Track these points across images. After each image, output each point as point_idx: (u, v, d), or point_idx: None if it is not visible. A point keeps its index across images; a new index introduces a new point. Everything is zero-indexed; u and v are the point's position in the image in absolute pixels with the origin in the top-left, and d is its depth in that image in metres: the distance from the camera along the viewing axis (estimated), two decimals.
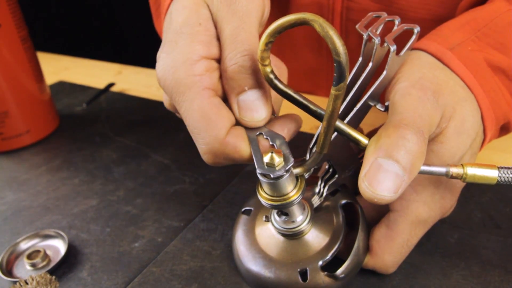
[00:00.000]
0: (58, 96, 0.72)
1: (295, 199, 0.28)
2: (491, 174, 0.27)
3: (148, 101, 0.68)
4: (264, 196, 0.29)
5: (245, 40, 0.28)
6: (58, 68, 0.87)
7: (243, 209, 0.36)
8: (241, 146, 0.28)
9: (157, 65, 0.31)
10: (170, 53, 0.30)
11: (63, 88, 0.76)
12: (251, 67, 0.28)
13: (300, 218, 0.31)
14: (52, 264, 0.36)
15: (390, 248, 0.31)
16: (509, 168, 0.27)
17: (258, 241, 0.33)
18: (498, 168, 0.27)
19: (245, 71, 0.28)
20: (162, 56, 0.30)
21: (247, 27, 0.29)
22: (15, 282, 0.34)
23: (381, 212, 0.33)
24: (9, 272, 0.36)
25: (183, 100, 0.28)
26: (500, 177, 0.27)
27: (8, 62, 0.53)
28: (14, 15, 0.52)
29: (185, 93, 0.28)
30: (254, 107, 0.28)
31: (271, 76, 0.26)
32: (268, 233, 0.33)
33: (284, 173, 0.27)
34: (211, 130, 0.27)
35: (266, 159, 0.27)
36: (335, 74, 0.23)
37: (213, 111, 0.27)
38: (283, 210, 0.30)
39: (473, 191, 0.40)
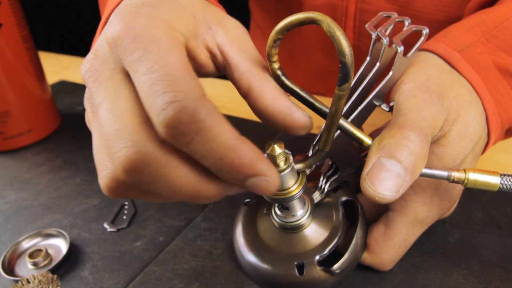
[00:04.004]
0: (59, 95, 0.72)
1: (295, 194, 0.29)
2: (493, 181, 0.27)
3: None
4: None
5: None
6: (59, 67, 0.87)
7: (245, 201, 0.37)
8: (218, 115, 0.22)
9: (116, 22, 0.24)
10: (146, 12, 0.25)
11: (64, 87, 0.76)
12: None
13: (300, 213, 0.31)
14: (53, 263, 0.37)
15: (388, 247, 0.31)
16: (511, 175, 0.27)
17: (258, 233, 0.33)
18: (501, 175, 0.27)
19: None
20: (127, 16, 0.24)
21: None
22: (17, 281, 0.34)
23: (381, 210, 0.33)
24: (11, 271, 0.37)
25: (154, 47, 0.23)
26: (502, 184, 0.27)
27: (10, 61, 0.53)
28: (15, 14, 0.52)
29: (159, 43, 0.23)
30: None
31: (279, 72, 0.27)
32: (268, 225, 0.33)
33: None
34: (189, 83, 0.22)
35: (268, 150, 0.27)
36: (340, 75, 0.23)
37: (193, 73, 0.23)
38: (284, 204, 0.31)
39: (474, 191, 0.40)
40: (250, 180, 0.23)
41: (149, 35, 0.23)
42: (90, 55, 0.26)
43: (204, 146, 0.22)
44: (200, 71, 0.28)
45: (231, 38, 0.27)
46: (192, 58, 0.27)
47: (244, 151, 0.22)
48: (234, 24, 0.28)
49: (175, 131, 0.21)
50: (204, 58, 0.27)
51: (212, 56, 0.27)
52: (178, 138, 0.21)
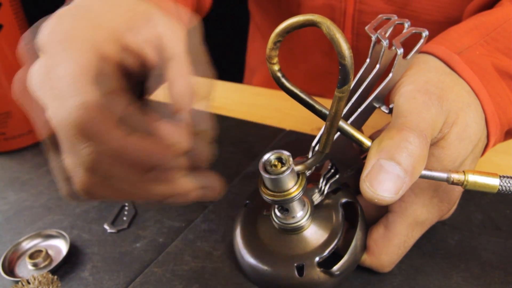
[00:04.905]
0: None
1: (295, 196, 0.29)
2: (492, 183, 0.27)
3: (150, 101, 0.68)
4: (265, 191, 0.29)
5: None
6: None
7: (245, 202, 0.37)
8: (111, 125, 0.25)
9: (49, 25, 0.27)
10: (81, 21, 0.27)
11: None
12: None
13: (300, 214, 0.31)
14: (54, 264, 0.37)
15: (387, 248, 0.31)
16: (511, 177, 0.27)
17: (258, 234, 0.34)
18: (500, 177, 0.28)
19: None
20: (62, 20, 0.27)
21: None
22: (17, 282, 0.34)
23: (381, 212, 0.33)
24: (11, 272, 0.37)
25: (68, 53, 0.25)
26: (501, 186, 0.27)
27: (11, 62, 0.53)
28: (17, 15, 0.52)
29: (77, 47, 0.25)
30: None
31: (279, 74, 0.27)
32: (268, 227, 0.33)
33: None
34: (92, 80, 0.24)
35: (269, 154, 0.28)
36: (339, 77, 0.23)
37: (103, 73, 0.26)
38: (284, 205, 0.31)
39: (474, 193, 0.40)
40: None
41: (70, 39, 0.26)
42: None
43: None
44: (144, 63, 0.29)
45: (170, 29, 0.28)
46: (131, 51, 0.28)
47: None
48: (170, 21, 0.29)
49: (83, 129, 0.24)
50: (146, 49, 0.28)
51: (152, 46, 0.28)
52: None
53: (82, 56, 0.25)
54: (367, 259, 0.32)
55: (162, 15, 0.29)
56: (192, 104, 0.28)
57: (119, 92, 0.27)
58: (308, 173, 0.31)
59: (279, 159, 0.28)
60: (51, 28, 0.27)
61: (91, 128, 0.24)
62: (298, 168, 0.29)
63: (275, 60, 0.26)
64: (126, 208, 0.43)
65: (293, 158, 0.29)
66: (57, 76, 0.25)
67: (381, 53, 0.29)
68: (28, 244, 0.39)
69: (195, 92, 0.28)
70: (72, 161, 0.26)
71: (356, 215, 0.32)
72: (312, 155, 0.30)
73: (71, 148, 0.25)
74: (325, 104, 0.28)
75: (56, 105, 0.25)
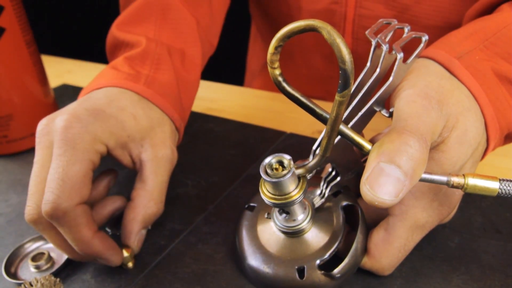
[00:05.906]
0: (62, 99, 0.73)
1: (296, 199, 0.29)
2: (492, 186, 0.28)
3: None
4: (266, 194, 0.29)
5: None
6: (61, 71, 0.88)
7: (247, 205, 0.37)
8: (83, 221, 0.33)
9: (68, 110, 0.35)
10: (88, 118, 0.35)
11: (67, 91, 0.77)
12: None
13: (301, 217, 0.32)
14: (56, 267, 0.37)
15: (388, 252, 0.31)
16: (510, 180, 0.28)
17: (259, 237, 0.34)
18: (500, 180, 0.28)
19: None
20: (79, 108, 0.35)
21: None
22: (19, 284, 0.34)
23: (381, 215, 0.33)
24: (13, 274, 0.37)
25: (69, 154, 0.33)
26: (501, 189, 0.27)
27: (13, 66, 0.53)
28: (19, 19, 0.52)
29: (76, 152, 0.33)
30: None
31: (280, 78, 0.27)
32: (269, 230, 0.34)
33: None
34: (75, 190, 0.32)
35: (270, 158, 0.28)
36: (340, 81, 0.23)
37: (85, 182, 0.33)
38: (285, 208, 0.31)
39: (474, 196, 0.40)
40: (97, 259, 0.34)
41: (74, 143, 0.33)
42: (45, 120, 0.35)
43: (66, 234, 0.32)
44: (124, 165, 0.39)
45: (152, 160, 0.37)
46: (118, 159, 0.38)
47: (94, 245, 0.33)
48: (164, 151, 0.39)
49: (49, 218, 0.31)
50: (127, 162, 0.38)
51: (133, 162, 0.38)
52: (52, 221, 0.32)
53: (76, 164, 0.33)
54: (368, 262, 0.32)
55: (156, 139, 0.38)
56: (138, 230, 0.36)
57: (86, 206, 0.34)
58: (309, 176, 0.31)
59: (280, 163, 0.29)
60: (64, 127, 0.33)
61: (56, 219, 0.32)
62: (299, 171, 0.29)
63: (276, 64, 0.26)
64: None
65: (294, 161, 0.29)
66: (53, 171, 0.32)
67: (381, 57, 0.29)
68: (30, 247, 0.39)
69: (145, 222, 0.37)
70: (30, 203, 0.33)
71: (357, 218, 0.32)
72: (313, 159, 0.30)
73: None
74: (325, 108, 0.28)
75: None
